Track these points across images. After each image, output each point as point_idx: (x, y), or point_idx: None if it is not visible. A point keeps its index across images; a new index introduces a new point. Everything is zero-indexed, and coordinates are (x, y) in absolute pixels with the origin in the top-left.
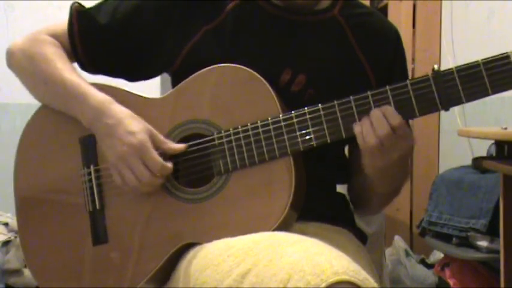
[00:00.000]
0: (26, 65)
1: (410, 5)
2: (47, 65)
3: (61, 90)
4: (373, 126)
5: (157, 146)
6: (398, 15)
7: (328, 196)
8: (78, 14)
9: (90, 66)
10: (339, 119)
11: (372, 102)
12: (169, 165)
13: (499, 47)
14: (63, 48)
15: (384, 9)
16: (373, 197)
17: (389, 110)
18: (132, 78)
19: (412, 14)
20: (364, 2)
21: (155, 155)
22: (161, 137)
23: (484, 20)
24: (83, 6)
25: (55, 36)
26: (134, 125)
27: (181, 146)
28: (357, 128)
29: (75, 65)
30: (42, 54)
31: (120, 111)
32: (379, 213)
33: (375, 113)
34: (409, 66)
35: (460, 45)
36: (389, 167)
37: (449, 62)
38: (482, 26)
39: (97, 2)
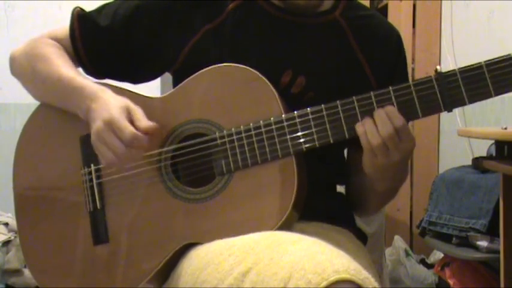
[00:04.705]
0: (25, 66)
1: (410, 5)
2: (45, 63)
3: (58, 86)
4: (376, 127)
5: (132, 122)
6: (398, 15)
7: (328, 196)
8: (79, 18)
9: (93, 70)
10: (342, 119)
11: (374, 102)
12: (142, 135)
13: (499, 47)
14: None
15: (384, 9)
16: (372, 196)
17: (393, 110)
18: (134, 80)
19: (412, 14)
20: (364, 2)
21: (126, 124)
22: (138, 114)
23: (484, 20)
24: (84, 11)
25: (57, 40)
26: (110, 101)
27: (150, 124)
28: (360, 128)
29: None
30: (41, 54)
31: (109, 97)
32: (377, 212)
33: (379, 113)
34: (409, 66)
35: (460, 45)
36: (389, 167)
37: (449, 62)
38: (482, 26)
39: (98, 5)
